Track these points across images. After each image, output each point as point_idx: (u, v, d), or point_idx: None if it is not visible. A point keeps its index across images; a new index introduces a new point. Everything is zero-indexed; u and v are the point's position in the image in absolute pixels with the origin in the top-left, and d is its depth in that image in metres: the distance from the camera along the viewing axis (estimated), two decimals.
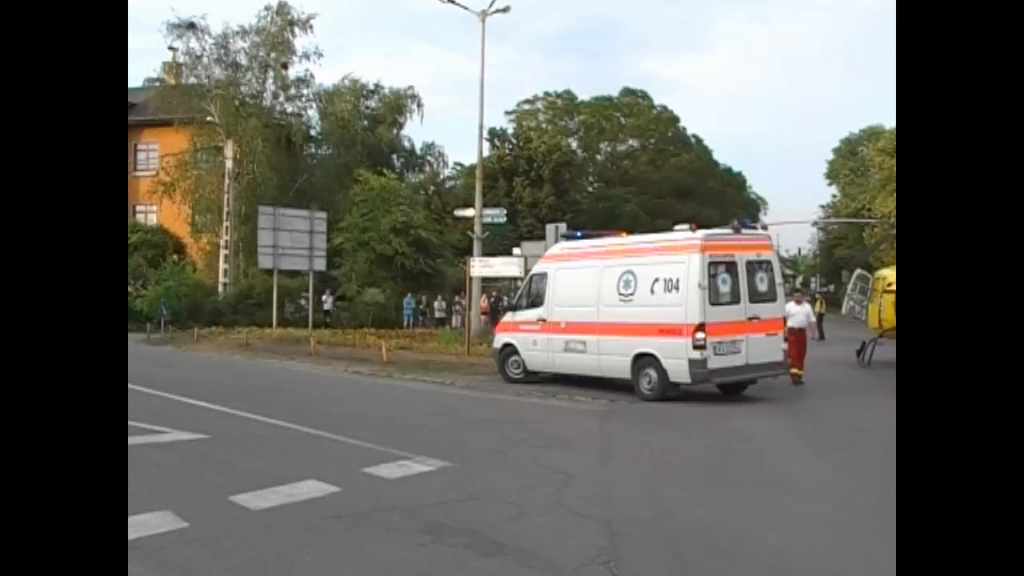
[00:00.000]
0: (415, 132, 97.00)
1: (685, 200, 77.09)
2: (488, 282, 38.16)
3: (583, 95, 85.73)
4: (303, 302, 39.84)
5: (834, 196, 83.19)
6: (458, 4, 33.19)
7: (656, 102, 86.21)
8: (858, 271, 29.65)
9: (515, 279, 34.22)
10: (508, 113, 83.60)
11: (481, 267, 28.42)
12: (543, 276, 20.05)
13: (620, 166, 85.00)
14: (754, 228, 21.06)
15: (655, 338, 16.96)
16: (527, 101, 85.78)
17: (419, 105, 58.07)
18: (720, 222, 22.12)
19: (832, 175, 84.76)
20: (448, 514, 8.08)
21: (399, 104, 57.66)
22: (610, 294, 17.97)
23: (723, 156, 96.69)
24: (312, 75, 51.34)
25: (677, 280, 16.76)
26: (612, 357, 17.76)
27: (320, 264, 38.67)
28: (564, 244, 20.68)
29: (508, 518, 7.99)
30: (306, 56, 49.50)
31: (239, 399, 16.88)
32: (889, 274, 25.50)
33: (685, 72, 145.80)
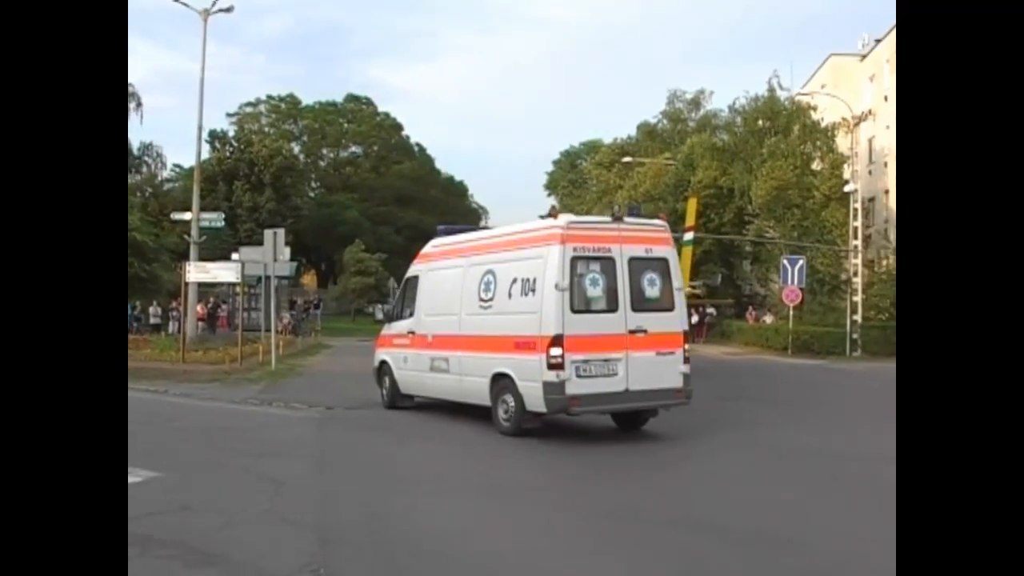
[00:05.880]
0: (134, 132, 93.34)
1: (407, 207, 78.20)
2: (205, 288, 37.35)
3: (308, 99, 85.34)
4: None
5: (553, 207, 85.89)
6: (180, 2, 32.37)
7: (381, 109, 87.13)
8: None
9: (233, 285, 33.63)
10: (230, 115, 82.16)
11: (198, 272, 27.91)
12: (415, 279, 16.59)
13: (343, 172, 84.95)
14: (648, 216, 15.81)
15: (511, 355, 13.33)
16: (249, 104, 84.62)
17: (139, 104, 55.89)
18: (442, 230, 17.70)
19: (552, 186, 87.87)
20: (157, 525, 7.89)
21: None
22: (471, 300, 14.46)
23: (446, 165, 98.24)
24: None
25: (534, 280, 13.06)
26: (472, 379, 14.22)
27: None
28: (437, 240, 16.70)
29: (218, 527, 7.91)
30: None
31: None
32: None
33: (411, 81, 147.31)
